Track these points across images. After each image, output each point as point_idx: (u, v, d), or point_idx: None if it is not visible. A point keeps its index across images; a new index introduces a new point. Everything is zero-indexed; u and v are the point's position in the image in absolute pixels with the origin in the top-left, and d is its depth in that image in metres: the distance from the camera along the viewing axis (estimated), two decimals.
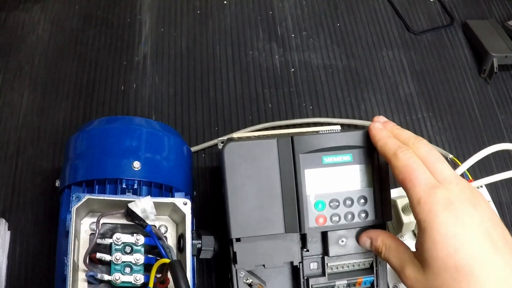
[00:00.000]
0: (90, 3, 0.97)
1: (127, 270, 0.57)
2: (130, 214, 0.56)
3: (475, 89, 0.93)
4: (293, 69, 0.92)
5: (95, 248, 0.57)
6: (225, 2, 0.99)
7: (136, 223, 0.56)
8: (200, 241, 0.61)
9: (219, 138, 0.73)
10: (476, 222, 0.50)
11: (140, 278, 0.56)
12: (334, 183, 0.60)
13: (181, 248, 0.59)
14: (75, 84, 0.87)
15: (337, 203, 0.60)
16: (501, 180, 0.73)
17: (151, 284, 0.55)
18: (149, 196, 0.57)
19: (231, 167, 0.58)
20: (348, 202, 0.60)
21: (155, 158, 0.64)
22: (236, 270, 0.60)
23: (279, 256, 0.60)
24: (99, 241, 0.57)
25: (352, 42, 0.96)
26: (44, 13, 0.95)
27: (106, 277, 0.56)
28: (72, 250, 0.54)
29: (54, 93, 0.86)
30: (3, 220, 0.73)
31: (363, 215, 0.60)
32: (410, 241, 0.71)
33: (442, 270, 0.49)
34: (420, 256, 0.52)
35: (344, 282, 0.62)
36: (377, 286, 0.62)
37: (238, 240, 0.59)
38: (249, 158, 0.59)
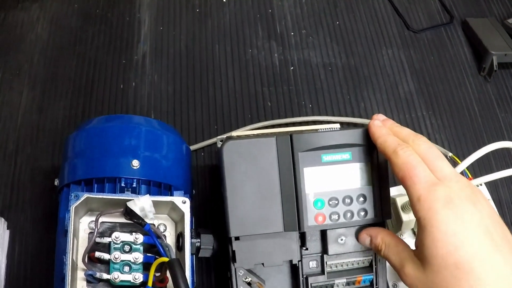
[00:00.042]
0: (89, 2, 0.97)
1: (126, 269, 0.56)
2: (129, 213, 0.56)
3: (475, 87, 0.93)
4: (292, 67, 0.91)
5: (94, 247, 0.56)
6: (224, 0, 0.99)
7: (135, 222, 0.56)
8: (199, 240, 0.61)
9: (218, 137, 0.73)
10: (476, 220, 0.50)
11: (139, 277, 0.56)
12: (333, 181, 0.60)
13: (180, 246, 0.59)
14: (74, 82, 0.87)
15: (336, 202, 0.60)
16: (500, 178, 0.72)
17: (150, 283, 0.55)
18: (148, 194, 0.57)
19: (230, 166, 0.58)
20: (347, 201, 0.60)
21: (154, 156, 0.64)
22: (235, 269, 0.60)
23: (278, 255, 0.60)
24: (98, 240, 0.57)
25: (351, 41, 0.96)
26: (43, 12, 0.95)
27: (105, 276, 0.55)
28: (71, 249, 0.54)
29: (53, 92, 0.86)
30: (2, 219, 0.73)
31: (363, 213, 0.60)
32: (409, 239, 0.71)
33: (442, 268, 0.49)
34: (420, 254, 0.52)
35: (343, 280, 0.62)
36: (376, 285, 0.62)
37: (237, 238, 0.59)
38: (248, 157, 0.58)
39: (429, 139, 0.75)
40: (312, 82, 0.90)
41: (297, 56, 0.93)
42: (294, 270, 0.62)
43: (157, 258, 0.56)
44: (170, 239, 0.61)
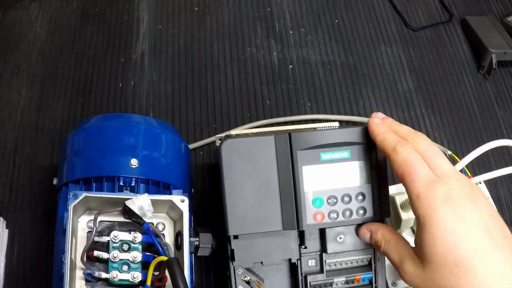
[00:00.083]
0: (88, 1, 0.97)
1: (125, 268, 0.56)
2: (127, 212, 0.56)
3: (474, 86, 0.93)
4: (291, 66, 0.91)
5: (92, 246, 0.56)
6: None
7: (133, 221, 0.56)
8: (197, 239, 0.61)
9: (217, 135, 0.73)
10: (475, 218, 0.50)
11: (137, 276, 0.56)
12: (332, 179, 0.60)
13: (178, 245, 0.59)
14: (73, 81, 0.87)
15: (335, 200, 0.60)
16: (500, 177, 0.72)
17: (148, 282, 0.55)
18: (146, 193, 0.57)
19: (228, 164, 0.58)
20: (346, 199, 0.60)
21: (152, 155, 0.63)
22: (234, 268, 0.60)
23: (277, 253, 0.60)
24: (96, 239, 0.57)
25: (350, 39, 0.96)
26: (42, 11, 0.95)
27: (104, 275, 0.56)
28: (70, 248, 0.54)
29: (52, 91, 0.86)
30: (1, 219, 0.73)
31: (361, 211, 0.60)
32: (408, 238, 0.71)
33: (442, 266, 0.49)
34: (420, 252, 0.52)
35: (342, 279, 0.61)
36: (375, 283, 0.62)
37: (236, 237, 0.59)
38: (246, 155, 0.58)
39: (428, 137, 0.75)
40: (311, 80, 0.90)
41: (296, 55, 0.93)
42: (293, 268, 0.62)
43: (156, 257, 0.56)
44: (169, 238, 0.61)
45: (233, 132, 0.66)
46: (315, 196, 0.60)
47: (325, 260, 0.61)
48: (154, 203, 0.57)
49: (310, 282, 0.61)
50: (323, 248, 0.61)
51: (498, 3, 1.04)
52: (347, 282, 0.62)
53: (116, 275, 0.56)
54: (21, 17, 0.94)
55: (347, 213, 0.60)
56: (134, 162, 0.61)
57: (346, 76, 0.91)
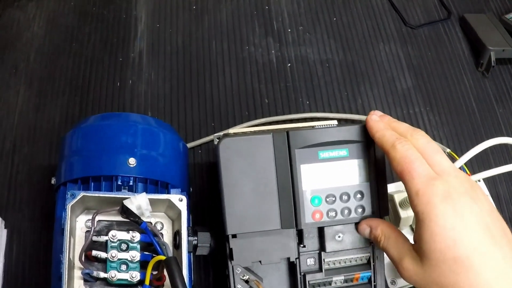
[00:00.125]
0: (85, 0, 0.96)
1: (123, 267, 0.56)
2: (125, 211, 0.56)
3: (473, 83, 0.93)
4: (289, 64, 0.91)
5: (90, 245, 0.56)
6: None
7: (131, 220, 0.56)
8: (196, 238, 0.60)
9: (215, 134, 0.73)
10: (474, 215, 0.50)
11: (136, 275, 0.56)
12: (330, 178, 0.60)
13: (177, 245, 0.59)
14: (71, 81, 0.87)
15: (334, 198, 0.60)
16: (499, 174, 0.72)
17: (147, 281, 0.55)
18: (144, 192, 0.57)
19: (226, 163, 0.58)
20: (345, 197, 0.60)
21: (150, 154, 0.63)
22: (232, 267, 0.60)
23: (275, 252, 0.60)
24: (94, 238, 0.57)
25: (348, 37, 0.96)
26: (39, 10, 0.95)
27: (102, 274, 0.55)
28: (68, 248, 0.54)
29: (50, 90, 0.86)
30: (0, 219, 0.73)
31: (360, 210, 0.60)
32: (408, 236, 0.71)
33: (441, 262, 0.49)
34: (419, 248, 0.52)
35: (341, 277, 0.61)
36: (374, 282, 0.62)
37: (234, 236, 0.59)
38: (244, 154, 0.58)
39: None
40: (310, 78, 0.90)
41: (294, 53, 0.93)
42: (292, 267, 0.62)
43: (154, 256, 0.55)
44: (167, 237, 0.60)
45: (232, 130, 0.66)
46: (314, 194, 0.59)
47: (323, 259, 0.61)
48: (152, 202, 0.57)
49: (309, 281, 0.61)
50: (322, 247, 0.61)
51: (497, 0, 1.04)
52: (346, 280, 0.62)
53: (114, 275, 0.55)
54: (18, 16, 0.94)
55: (346, 211, 0.60)
56: (132, 161, 0.61)
57: (344, 74, 0.91)
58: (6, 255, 0.72)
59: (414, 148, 0.54)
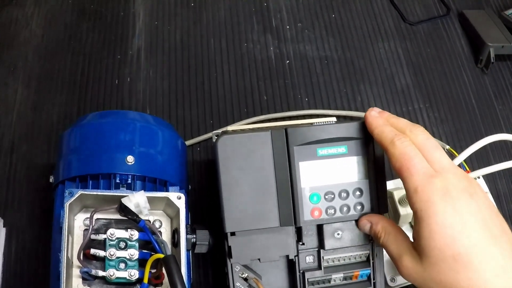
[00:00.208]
0: None
1: (122, 265, 0.56)
2: (123, 209, 0.55)
3: (472, 80, 0.92)
4: (288, 61, 0.91)
5: (89, 244, 0.56)
6: None
7: (130, 218, 0.56)
8: (194, 236, 0.60)
9: (214, 132, 0.73)
10: (473, 212, 0.50)
11: (134, 274, 0.56)
12: (329, 175, 0.60)
13: (175, 243, 0.58)
14: (69, 79, 0.87)
15: (332, 196, 0.60)
16: (498, 171, 0.72)
17: (145, 280, 0.55)
18: (142, 190, 0.57)
19: (224, 161, 0.58)
20: (344, 195, 0.60)
21: (149, 152, 0.63)
22: (231, 265, 0.60)
23: (274, 250, 0.60)
24: (93, 236, 0.57)
25: (347, 33, 0.96)
26: (38, 8, 0.95)
27: (101, 273, 0.55)
28: (66, 246, 0.54)
29: (48, 89, 0.86)
30: None
31: (359, 207, 0.60)
32: (407, 233, 0.71)
33: (440, 260, 0.49)
34: (418, 246, 0.52)
35: (340, 275, 0.61)
36: (373, 279, 0.62)
37: (233, 234, 0.59)
38: (243, 151, 0.58)
39: None
40: (308, 75, 0.90)
41: (293, 50, 0.92)
42: (291, 265, 0.62)
43: (153, 254, 0.55)
44: (165, 235, 0.60)
45: (230, 128, 0.66)
46: (312, 192, 0.59)
47: (323, 257, 0.61)
48: (150, 200, 0.56)
49: (308, 279, 0.60)
50: (321, 245, 0.61)
51: None
52: (345, 278, 0.62)
53: (113, 273, 0.55)
54: (16, 14, 0.93)
55: (345, 209, 0.60)
56: (130, 159, 0.61)
57: (343, 71, 0.91)
58: (5, 254, 0.72)
59: (413, 145, 0.54)
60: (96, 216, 0.57)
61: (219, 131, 0.71)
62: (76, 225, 0.58)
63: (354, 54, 0.93)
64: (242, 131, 0.63)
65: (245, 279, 0.60)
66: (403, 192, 0.68)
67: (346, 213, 0.60)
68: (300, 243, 0.61)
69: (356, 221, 0.61)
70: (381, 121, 0.57)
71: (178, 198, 0.58)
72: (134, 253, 0.56)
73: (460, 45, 0.96)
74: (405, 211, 0.68)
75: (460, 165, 0.70)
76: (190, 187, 0.72)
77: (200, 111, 0.84)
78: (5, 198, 0.76)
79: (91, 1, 0.96)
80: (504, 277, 0.48)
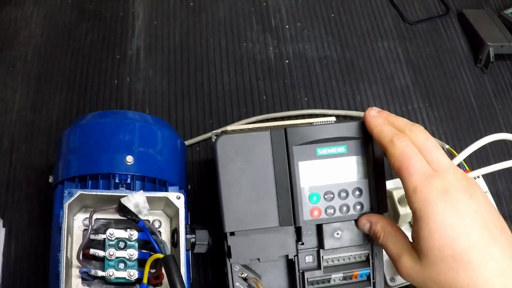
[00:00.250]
0: None
1: (121, 265, 0.56)
2: (122, 209, 0.55)
3: (472, 79, 0.92)
4: (287, 61, 0.91)
5: (88, 244, 0.56)
6: None
7: (129, 218, 0.56)
8: (194, 236, 0.60)
9: (213, 131, 0.73)
10: (472, 212, 0.50)
11: (134, 274, 0.56)
12: (328, 175, 0.60)
13: (175, 243, 0.58)
14: (68, 79, 0.87)
15: (332, 195, 0.59)
16: (498, 171, 0.72)
17: (145, 280, 0.55)
18: (142, 190, 0.57)
19: (224, 160, 0.58)
20: (343, 194, 0.60)
21: (148, 152, 0.63)
22: (231, 265, 0.60)
23: (274, 250, 0.59)
24: (92, 236, 0.57)
25: (347, 33, 0.96)
26: (37, 8, 0.95)
27: (100, 273, 0.55)
28: (65, 246, 0.54)
29: (48, 88, 0.86)
30: None
31: (358, 207, 0.60)
32: (407, 233, 0.71)
33: (439, 260, 0.49)
34: (417, 246, 0.52)
35: (340, 275, 0.61)
36: (373, 279, 0.62)
37: (232, 234, 0.59)
38: (242, 151, 0.58)
39: None
40: (308, 75, 0.90)
41: (292, 49, 0.92)
42: (290, 265, 0.62)
43: (152, 254, 0.55)
44: (165, 235, 0.60)
45: (229, 128, 0.66)
46: (312, 191, 0.59)
47: (322, 256, 0.61)
48: (149, 200, 0.56)
49: (307, 279, 0.60)
50: (320, 244, 0.61)
51: None
52: (344, 278, 0.62)
53: (112, 273, 0.55)
54: (16, 14, 0.93)
55: (344, 208, 0.60)
56: (129, 159, 0.61)
57: (342, 71, 0.91)
58: (5, 254, 0.72)
59: (413, 145, 0.54)
60: (95, 216, 0.57)
61: (219, 131, 0.71)
62: (76, 225, 0.58)
63: (354, 53, 0.93)
64: (242, 131, 0.63)
65: (245, 279, 0.60)
66: (402, 191, 0.68)
67: (346, 213, 0.60)
68: (300, 243, 0.61)
69: (356, 220, 0.61)
70: (380, 120, 0.57)
71: (177, 198, 0.58)
72: (133, 253, 0.56)
73: (460, 44, 0.96)
74: (405, 210, 0.68)
75: (459, 165, 0.70)
76: (189, 187, 0.72)
77: (199, 111, 0.84)
78: (5, 198, 0.76)
79: (90, 1, 0.96)
80: (503, 276, 0.48)
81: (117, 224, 0.58)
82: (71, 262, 0.56)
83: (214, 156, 0.59)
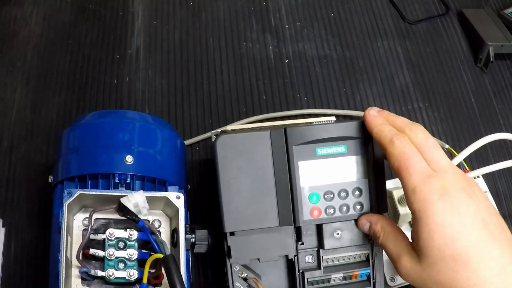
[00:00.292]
0: None
1: (121, 265, 0.56)
2: (122, 209, 0.55)
3: (471, 79, 0.92)
4: (287, 60, 0.91)
5: (88, 243, 0.56)
6: None
7: (129, 218, 0.56)
8: (194, 236, 0.60)
9: (213, 131, 0.73)
10: (472, 211, 0.50)
11: (134, 274, 0.56)
12: (328, 175, 0.60)
13: (174, 242, 0.58)
14: (68, 78, 0.87)
15: (332, 195, 0.59)
16: (498, 170, 0.72)
17: (145, 280, 0.55)
18: (141, 190, 0.57)
19: (224, 160, 0.58)
20: (343, 194, 0.60)
21: (148, 152, 0.63)
22: (230, 265, 0.60)
23: (274, 250, 0.59)
24: (92, 236, 0.57)
25: (346, 32, 0.95)
26: (36, 8, 0.94)
27: (100, 273, 0.55)
28: (65, 246, 0.54)
29: (47, 88, 0.85)
30: None
31: (358, 207, 0.60)
32: (406, 233, 0.71)
33: (439, 260, 0.49)
34: (416, 246, 0.52)
35: (340, 275, 0.61)
36: (373, 279, 0.62)
37: (232, 234, 0.59)
38: (242, 151, 0.58)
39: None
40: (307, 74, 0.90)
41: (292, 49, 0.92)
42: (290, 265, 0.62)
43: (152, 254, 0.55)
44: (165, 235, 0.60)
45: (229, 127, 0.66)
46: (312, 191, 0.59)
47: (322, 256, 0.61)
48: (149, 200, 0.56)
49: (307, 279, 0.60)
50: (320, 244, 0.61)
51: None
52: (344, 278, 0.62)
53: (112, 273, 0.55)
54: (15, 14, 0.93)
55: (344, 208, 0.60)
56: (129, 158, 0.61)
57: (342, 70, 0.91)
58: (4, 254, 0.72)
59: (412, 145, 0.54)
60: (95, 216, 0.57)
61: (218, 130, 0.71)
62: (75, 225, 0.58)
63: (353, 53, 0.93)
64: (241, 130, 0.63)
65: (245, 279, 0.60)
66: (402, 191, 0.68)
67: (346, 212, 0.60)
68: (300, 242, 0.61)
69: (356, 220, 0.60)
70: (380, 120, 0.57)
71: (177, 198, 0.58)
72: (133, 253, 0.56)
73: (460, 44, 0.96)
74: (405, 210, 0.68)
75: (459, 165, 0.70)
76: (189, 186, 0.72)
77: (199, 111, 0.84)
78: (4, 198, 0.76)
79: (90, 0, 0.96)
80: (503, 276, 0.48)
81: (116, 224, 0.58)
82: (71, 262, 0.56)
83: (213, 156, 0.59)
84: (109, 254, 0.56)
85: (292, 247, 0.60)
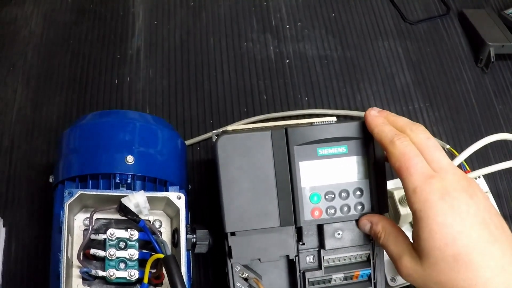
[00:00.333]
0: None
1: (122, 265, 0.56)
2: (123, 209, 0.55)
3: (472, 79, 0.92)
4: (288, 60, 0.91)
5: (89, 244, 0.56)
6: None
7: (129, 218, 0.56)
8: (194, 236, 0.60)
9: (214, 131, 0.73)
10: (473, 212, 0.50)
11: (134, 274, 0.56)
12: (329, 175, 0.60)
13: (175, 243, 0.58)
14: (68, 78, 0.87)
15: (333, 196, 0.59)
16: (499, 171, 0.72)
17: (145, 280, 0.55)
18: (142, 190, 0.57)
19: (224, 160, 0.58)
20: (344, 194, 0.60)
21: (148, 152, 0.63)
22: (231, 265, 0.60)
23: (274, 250, 0.59)
24: (93, 236, 0.57)
25: (347, 32, 0.95)
26: (37, 7, 0.94)
27: (101, 273, 0.55)
28: (66, 246, 0.53)
29: (48, 88, 0.85)
30: None
31: (359, 207, 0.60)
32: (407, 233, 0.71)
33: (440, 260, 0.49)
34: (417, 246, 0.52)
35: (341, 275, 0.61)
36: (374, 279, 0.62)
37: (233, 234, 0.59)
38: (243, 151, 0.58)
39: None
40: (308, 75, 0.90)
41: (292, 49, 0.92)
42: (291, 265, 0.61)
43: (153, 254, 0.55)
44: (165, 235, 0.60)
45: (230, 127, 0.66)
46: (313, 192, 0.59)
47: (323, 257, 0.61)
48: (150, 200, 0.56)
49: (308, 279, 0.60)
50: (321, 245, 0.61)
51: None
52: (345, 278, 0.62)
53: (113, 273, 0.55)
54: (16, 14, 0.93)
55: (345, 208, 0.60)
56: (130, 159, 0.61)
57: (343, 70, 0.91)
58: (5, 253, 0.71)
59: (413, 145, 0.54)
60: (96, 216, 0.57)
61: (219, 130, 0.71)
62: (76, 225, 0.58)
63: (354, 53, 0.93)
64: (242, 130, 0.63)
65: (245, 279, 0.60)
66: (403, 191, 0.68)
67: (347, 213, 0.60)
68: (301, 243, 0.61)
69: (357, 221, 0.60)
70: (380, 120, 0.57)
71: (178, 198, 0.58)
72: (134, 253, 0.56)
73: (460, 44, 0.96)
74: (406, 211, 0.68)
75: (460, 165, 0.70)
76: (190, 186, 0.72)
77: (200, 111, 0.84)
78: (5, 198, 0.76)
79: (90, 0, 0.96)
80: (504, 276, 0.48)
81: (117, 224, 0.58)
82: (72, 262, 0.56)
83: (214, 156, 0.59)
84: (110, 254, 0.56)
85: (293, 247, 0.60)
